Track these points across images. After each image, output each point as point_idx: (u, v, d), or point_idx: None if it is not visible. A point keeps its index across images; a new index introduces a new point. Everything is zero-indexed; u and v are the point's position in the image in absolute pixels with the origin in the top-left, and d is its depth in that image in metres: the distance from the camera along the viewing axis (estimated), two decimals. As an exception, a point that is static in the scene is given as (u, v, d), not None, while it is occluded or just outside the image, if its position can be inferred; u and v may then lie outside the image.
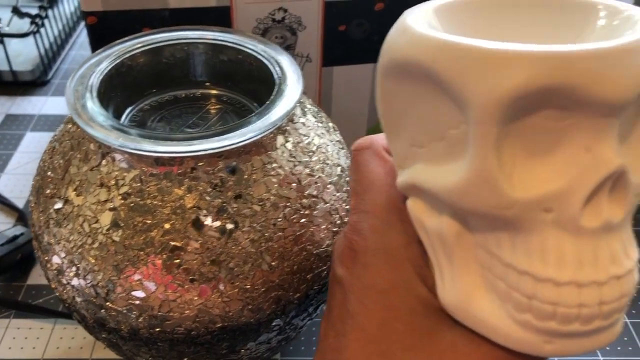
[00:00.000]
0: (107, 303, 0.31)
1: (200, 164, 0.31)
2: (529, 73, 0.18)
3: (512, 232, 0.21)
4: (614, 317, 0.21)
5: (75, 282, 0.32)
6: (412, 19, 0.23)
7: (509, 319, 0.22)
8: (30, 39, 0.68)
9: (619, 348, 0.45)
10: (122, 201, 0.31)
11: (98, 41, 0.47)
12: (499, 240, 0.22)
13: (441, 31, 0.23)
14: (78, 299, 0.32)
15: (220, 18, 0.48)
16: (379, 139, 0.28)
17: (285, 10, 0.49)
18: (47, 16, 0.71)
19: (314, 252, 0.33)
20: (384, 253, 0.25)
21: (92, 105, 0.32)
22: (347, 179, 0.37)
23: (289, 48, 0.51)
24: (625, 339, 0.45)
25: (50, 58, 0.72)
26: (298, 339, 0.45)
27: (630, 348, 0.45)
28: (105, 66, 0.35)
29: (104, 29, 0.47)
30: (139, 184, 0.31)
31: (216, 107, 0.39)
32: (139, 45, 0.37)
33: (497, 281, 0.22)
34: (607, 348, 0.45)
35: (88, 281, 0.31)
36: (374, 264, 0.25)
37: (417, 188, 0.24)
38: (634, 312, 0.47)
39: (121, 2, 0.46)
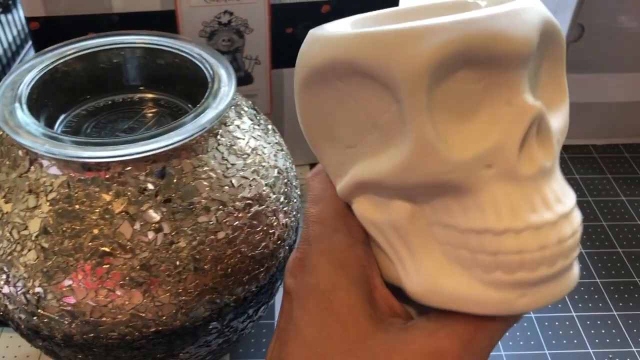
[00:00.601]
0: (39, 310, 0.31)
1: (128, 168, 0.31)
2: (441, 40, 0.20)
3: (461, 198, 0.22)
4: (573, 256, 0.23)
5: (6, 289, 0.32)
6: (322, 30, 0.24)
7: (480, 284, 0.22)
8: (-17, 45, 0.67)
9: (564, 341, 0.46)
10: (51, 207, 0.31)
11: (43, 47, 0.47)
12: (451, 210, 0.22)
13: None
14: (10, 307, 0.32)
15: (167, 22, 0.48)
16: None
17: (231, 14, 0.49)
18: (0, 22, 0.70)
19: (249, 254, 0.34)
20: (327, 256, 0.26)
21: (21, 112, 0.32)
22: (285, 180, 0.37)
23: (237, 51, 0.51)
24: (571, 332, 0.46)
25: (4, 64, 0.71)
26: (247, 341, 0.45)
27: (575, 341, 0.46)
28: (36, 73, 0.35)
29: (48, 35, 0.47)
30: (67, 190, 0.31)
31: (153, 110, 0.39)
32: (74, 50, 0.37)
33: (459, 251, 0.23)
34: (553, 342, 0.45)
35: (19, 289, 0.31)
36: (318, 268, 0.26)
37: (361, 185, 0.24)
38: (580, 305, 0.48)
39: (65, 7, 0.46)
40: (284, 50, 0.52)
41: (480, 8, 0.24)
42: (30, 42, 0.79)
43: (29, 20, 0.46)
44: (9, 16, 0.73)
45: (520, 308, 0.22)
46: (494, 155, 0.21)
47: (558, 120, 0.24)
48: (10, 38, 0.73)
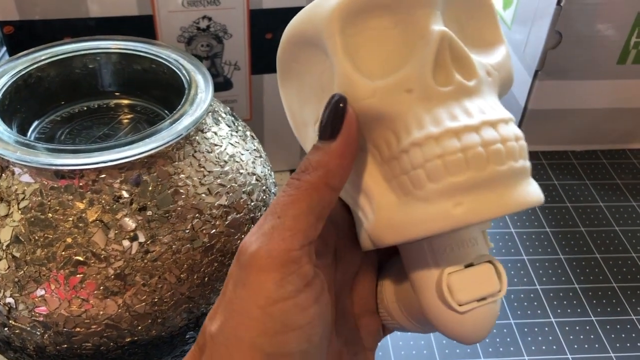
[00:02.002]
0: (10, 321, 0.31)
1: (102, 176, 0.30)
2: None
3: (393, 125, 0.23)
4: (508, 164, 0.22)
5: (-24, 300, 0.31)
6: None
7: (419, 203, 0.23)
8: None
9: (543, 347, 0.46)
10: (22, 216, 0.30)
11: (17, 52, 0.46)
12: (388, 141, 0.24)
13: None
14: (-19, 318, 0.32)
15: (144, 27, 0.48)
16: None
17: (210, 19, 0.49)
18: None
19: (227, 262, 0.33)
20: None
21: (-9, 118, 0.32)
22: (264, 187, 0.37)
23: (216, 56, 0.51)
24: (550, 337, 0.46)
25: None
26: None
27: (554, 347, 0.46)
28: (8, 78, 0.35)
29: (23, 39, 0.46)
30: (39, 198, 0.30)
31: (129, 117, 0.38)
32: (49, 55, 0.37)
33: (400, 179, 0.23)
34: (532, 348, 0.46)
35: (-11, 299, 0.31)
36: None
37: None
38: (559, 311, 0.48)
39: (40, 11, 0.45)
40: (264, 56, 0.52)
41: None
42: (4, 48, 0.77)
43: (2, 24, 0.45)
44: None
45: (460, 218, 0.22)
46: (411, 80, 0.23)
47: (493, 57, 0.26)
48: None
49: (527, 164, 0.24)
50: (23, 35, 0.46)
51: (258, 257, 0.22)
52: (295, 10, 0.49)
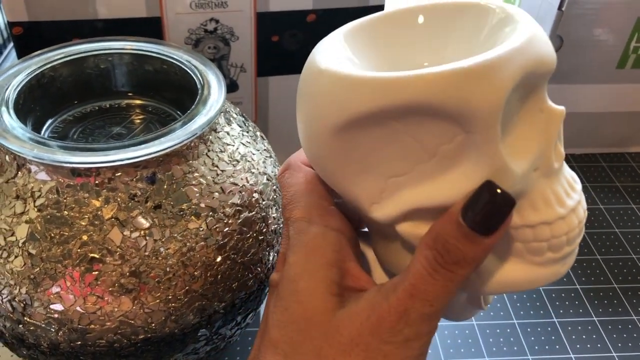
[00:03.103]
0: (25, 318, 0.31)
1: (118, 174, 0.31)
2: (508, 74, 0.22)
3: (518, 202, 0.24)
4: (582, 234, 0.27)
5: (-9, 297, 0.31)
6: (339, 64, 0.25)
7: (533, 266, 0.26)
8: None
9: (546, 347, 0.46)
10: (39, 213, 0.30)
11: (26, 52, 0.47)
12: None
13: (358, 62, 0.26)
14: (-5, 315, 0.32)
15: (152, 29, 0.48)
16: (295, 157, 0.30)
17: (217, 21, 0.49)
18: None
19: (239, 260, 0.34)
20: (301, 247, 0.27)
21: (8, 117, 0.32)
22: (274, 187, 0.37)
23: (222, 58, 0.51)
24: (553, 337, 0.47)
25: (-17, 70, 0.70)
26: (232, 349, 0.45)
27: (557, 346, 0.46)
28: (22, 78, 0.35)
29: (31, 40, 0.46)
30: (55, 196, 0.30)
31: (141, 117, 0.39)
32: (61, 55, 0.37)
33: (513, 245, 0.26)
34: (536, 347, 0.46)
35: (4, 296, 0.31)
36: (294, 257, 0.27)
37: (417, 211, 0.25)
38: (561, 311, 0.49)
39: (48, 13, 0.46)
40: (270, 58, 0.52)
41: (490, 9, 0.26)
42: (7, 49, 0.78)
43: (11, 25, 0.46)
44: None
45: (563, 274, 0.27)
46: (539, 159, 0.24)
47: None
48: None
49: None
50: (32, 36, 0.46)
51: (406, 337, 0.24)
52: (302, 14, 0.50)
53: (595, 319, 0.49)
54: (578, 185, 0.26)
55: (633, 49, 0.59)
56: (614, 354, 0.46)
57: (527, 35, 0.23)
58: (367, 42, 0.28)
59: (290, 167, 0.30)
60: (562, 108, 0.25)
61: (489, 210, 0.23)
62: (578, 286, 0.51)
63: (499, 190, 0.23)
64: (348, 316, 0.25)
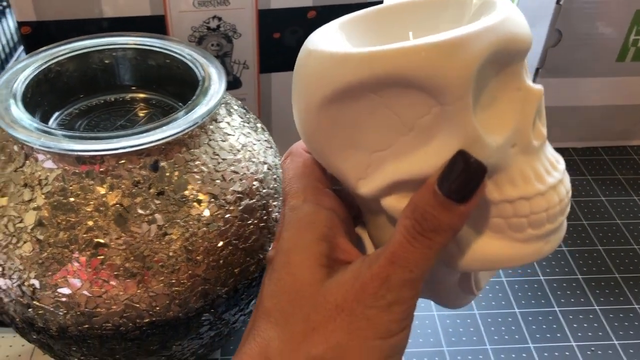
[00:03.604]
0: (34, 302, 0.32)
1: (122, 161, 0.32)
2: (480, 47, 0.23)
3: (494, 176, 0.25)
4: (566, 212, 0.28)
5: (1, 282, 0.32)
6: (328, 45, 0.26)
7: (513, 243, 0.27)
8: (-28, 53, 0.68)
9: (548, 335, 0.47)
10: (46, 200, 0.31)
11: (34, 51, 0.48)
12: (487, 191, 0.26)
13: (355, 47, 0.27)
14: (5, 300, 0.33)
15: (156, 27, 0.49)
16: (297, 144, 0.32)
17: (220, 19, 0.50)
18: (-11, 31, 0.70)
19: (241, 246, 0.34)
20: (294, 223, 0.28)
21: (16, 109, 0.33)
22: (275, 176, 0.38)
23: (225, 55, 0.52)
24: (554, 326, 0.47)
25: (-7, 72, 0.72)
26: (238, 337, 0.45)
27: (558, 335, 0.47)
28: (30, 72, 0.36)
29: (39, 39, 0.48)
30: (61, 183, 0.31)
31: (145, 110, 0.40)
32: (67, 50, 0.38)
33: (492, 220, 0.26)
34: (537, 335, 0.47)
35: (14, 280, 0.32)
36: (288, 233, 0.28)
37: (399, 183, 0.26)
38: (562, 300, 0.49)
39: (55, 12, 0.47)
40: (272, 55, 0.53)
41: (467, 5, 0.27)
42: (19, 50, 0.79)
43: (20, 24, 0.47)
44: (-2, 25, 0.74)
45: (546, 253, 0.27)
46: (516, 135, 0.25)
47: None
48: (-1, 47, 0.74)
49: None
50: (40, 36, 0.48)
51: (388, 304, 0.25)
52: (302, 11, 0.51)
53: (596, 307, 0.49)
54: (561, 165, 0.27)
55: (632, 42, 0.59)
56: (615, 342, 0.46)
57: (501, 16, 0.24)
58: (360, 33, 0.29)
59: (291, 154, 0.31)
60: (539, 87, 0.26)
61: (463, 178, 0.24)
62: (579, 276, 0.52)
63: (472, 159, 0.23)
64: (335, 285, 0.26)
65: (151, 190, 0.32)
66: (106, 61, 0.40)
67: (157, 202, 0.32)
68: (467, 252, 0.27)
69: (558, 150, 0.28)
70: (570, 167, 0.63)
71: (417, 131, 0.24)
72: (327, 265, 0.27)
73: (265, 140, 0.39)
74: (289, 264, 0.27)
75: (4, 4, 0.76)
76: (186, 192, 0.32)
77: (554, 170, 0.26)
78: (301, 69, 0.27)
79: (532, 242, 0.27)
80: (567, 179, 0.27)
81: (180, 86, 0.40)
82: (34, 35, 0.48)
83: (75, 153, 0.31)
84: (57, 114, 0.39)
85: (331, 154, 0.27)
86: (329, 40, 0.27)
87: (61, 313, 0.32)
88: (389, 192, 0.26)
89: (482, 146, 0.24)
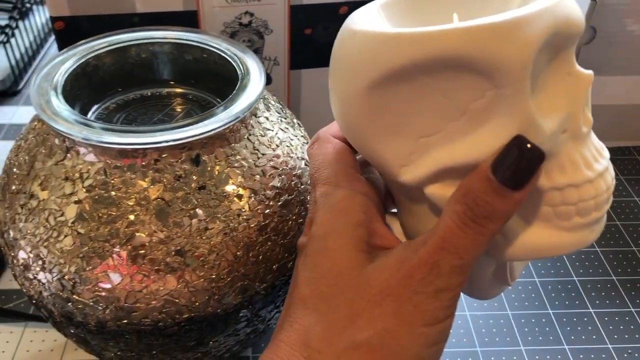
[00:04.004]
0: (74, 296, 0.32)
1: (164, 155, 0.31)
2: (539, 28, 0.22)
3: (544, 163, 0.24)
4: (609, 201, 0.27)
5: (41, 276, 0.32)
6: (374, 25, 0.25)
7: (560, 231, 0.26)
8: (1, 49, 0.68)
9: (583, 337, 0.46)
10: (87, 194, 0.31)
11: (66, 46, 0.48)
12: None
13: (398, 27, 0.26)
14: (45, 294, 0.33)
15: (188, 22, 0.49)
16: (324, 129, 0.31)
17: (252, 14, 0.50)
18: (17, 27, 0.71)
19: (280, 242, 0.34)
20: (329, 208, 0.28)
21: (57, 101, 0.33)
22: (312, 172, 0.38)
23: (256, 51, 0.52)
24: (590, 327, 0.47)
25: (21, 68, 0.72)
26: (269, 334, 0.45)
27: (594, 336, 0.46)
28: (70, 65, 0.36)
29: (72, 34, 0.48)
30: (103, 177, 0.31)
31: (182, 105, 0.39)
32: (104, 44, 0.38)
33: (541, 208, 0.26)
34: (572, 337, 0.46)
35: (54, 274, 0.32)
36: (321, 219, 0.28)
37: (446, 170, 0.25)
38: (597, 302, 0.49)
39: (88, 7, 0.47)
40: (302, 51, 0.53)
41: None
42: (45, 47, 0.80)
43: (54, 19, 0.47)
44: (26, 22, 0.74)
45: (590, 241, 0.27)
46: (567, 121, 0.24)
47: None
48: (27, 43, 0.74)
49: None
50: (73, 31, 0.48)
51: (437, 289, 0.25)
52: (334, 6, 0.51)
53: (632, 309, 0.48)
54: (606, 152, 0.27)
55: (667, 40, 0.58)
56: (653, 344, 0.45)
57: (545, 1, 0.23)
58: (402, 15, 0.29)
59: (319, 139, 0.31)
60: (590, 72, 0.25)
61: (519, 164, 0.23)
62: (614, 277, 0.51)
63: (528, 145, 0.23)
64: (378, 270, 0.25)
65: (192, 185, 0.31)
66: (143, 55, 0.39)
67: (199, 196, 0.31)
68: (513, 241, 0.26)
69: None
70: (602, 167, 0.62)
71: (469, 116, 0.24)
72: (365, 251, 0.26)
73: (302, 136, 0.39)
74: (326, 249, 0.27)
75: (32, 0, 0.76)
76: (227, 187, 0.32)
77: (600, 157, 0.26)
78: (344, 51, 0.26)
79: (578, 231, 0.26)
80: (611, 167, 0.27)
81: (216, 81, 0.39)
82: (67, 31, 0.48)
83: (119, 146, 0.30)
84: (95, 107, 0.38)
85: (372, 140, 0.26)
86: (372, 20, 0.26)
87: (100, 307, 0.32)
88: (434, 179, 0.26)
89: (537, 131, 0.23)
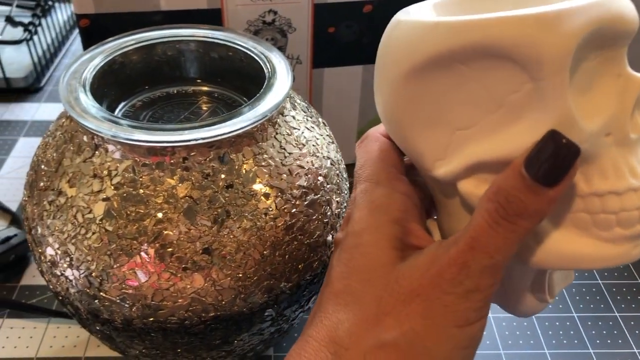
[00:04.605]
0: (101, 293, 0.32)
1: (192, 153, 0.31)
2: (582, 21, 0.22)
3: (584, 166, 0.24)
4: None
5: (69, 273, 0.32)
6: (419, 15, 0.26)
7: (599, 242, 0.25)
8: (24, 46, 0.69)
9: (608, 341, 0.45)
10: (115, 191, 0.31)
11: (91, 44, 0.48)
12: (576, 181, 0.24)
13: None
14: (72, 290, 0.33)
15: (212, 20, 0.49)
16: (374, 128, 0.31)
17: (275, 13, 0.50)
18: (40, 24, 0.71)
19: (305, 242, 0.34)
20: (367, 205, 0.28)
21: (85, 98, 0.33)
22: (337, 172, 0.38)
23: (279, 50, 0.52)
24: (615, 332, 0.46)
25: (43, 65, 0.72)
26: (292, 334, 0.45)
27: (620, 341, 0.45)
28: (98, 62, 0.36)
29: (96, 32, 0.48)
30: (131, 174, 0.31)
31: (208, 103, 0.39)
32: (132, 42, 0.38)
33: (577, 215, 0.25)
34: (597, 341, 0.45)
35: (82, 271, 0.32)
36: (358, 215, 0.28)
37: (479, 165, 0.25)
38: (622, 306, 0.48)
39: (113, 5, 0.47)
40: (325, 50, 0.53)
41: None
42: (67, 44, 0.80)
43: (79, 17, 0.47)
44: (48, 20, 0.75)
45: (634, 257, 0.25)
46: (612, 124, 0.23)
47: None
48: (49, 40, 0.75)
49: None
50: (97, 28, 0.48)
51: (467, 290, 0.24)
52: (358, 5, 0.50)
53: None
54: None
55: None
56: (680, 349, 0.45)
57: None
58: (458, 11, 0.28)
59: (367, 138, 0.31)
60: (638, 74, 0.24)
61: (553, 160, 0.22)
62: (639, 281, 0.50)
63: (564, 140, 0.22)
64: (408, 268, 0.25)
65: (220, 183, 0.31)
66: (169, 53, 0.39)
67: (226, 195, 0.31)
68: (545, 246, 0.25)
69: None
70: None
71: (506, 109, 0.23)
72: (399, 248, 0.26)
73: (328, 135, 0.39)
74: (361, 245, 0.26)
75: (54, -2, 0.77)
76: (254, 186, 0.32)
77: None
78: (389, 40, 0.26)
79: (619, 243, 0.25)
80: None
81: (242, 80, 0.39)
82: (92, 28, 0.48)
83: (147, 144, 0.30)
84: (121, 104, 0.39)
85: (411, 132, 0.26)
86: (420, 12, 0.26)
87: (127, 305, 0.32)
88: (468, 174, 0.25)
89: (575, 129, 0.22)
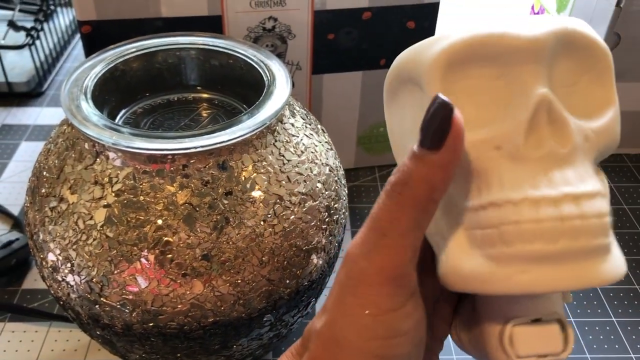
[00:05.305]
0: (102, 298, 0.32)
1: (192, 161, 0.32)
2: (448, 42, 0.24)
3: (476, 179, 0.24)
4: (582, 241, 0.22)
5: (70, 278, 0.33)
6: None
7: (487, 261, 0.23)
8: (26, 51, 0.69)
9: (605, 346, 0.45)
10: (116, 198, 0.32)
11: (93, 50, 0.48)
12: (469, 193, 0.24)
13: None
14: (73, 296, 0.33)
15: (213, 27, 0.49)
16: None
17: (275, 19, 0.50)
18: (42, 29, 0.72)
19: (304, 248, 0.34)
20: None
21: (87, 106, 0.33)
22: (336, 178, 0.38)
23: (279, 56, 0.52)
24: (612, 337, 0.46)
25: (45, 70, 0.73)
26: (290, 339, 0.45)
27: (616, 346, 0.46)
28: (99, 70, 0.36)
29: (98, 38, 0.48)
30: (132, 181, 0.32)
31: (208, 110, 0.40)
32: (132, 50, 0.39)
33: (474, 232, 0.24)
34: (594, 346, 0.45)
35: (83, 277, 0.32)
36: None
37: None
38: (619, 311, 0.48)
39: (115, 12, 0.47)
40: (325, 56, 0.53)
41: None
42: (68, 49, 0.80)
43: (81, 23, 0.48)
44: (50, 24, 0.75)
45: (521, 285, 0.22)
46: (502, 137, 0.23)
47: (598, 120, 0.25)
48: (51, 45, 0.75)
49: (607, 241, 0.23)
50: (99, 35, 0.48)
51: (368, 273, 0.23)
52: (357, 12, 0.51)
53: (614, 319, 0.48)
54: (582, 186, 0.23)
55: (692, 47, 0.58)
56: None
57: (507, 20, 0.24)
58: None
59: None
60: (541, 92, 0.23)
61: (431, 120, 0.22)
62: (637, 286, 0.50)
63: (438, 100, 0.22)
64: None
65: (220, 190, 0.32)
66: (170, 60, 0.40)
67: (225, 202, 0.32)
68: (446, 263, 0.25)
69: (610, 156, 0.25)
70: (624, 174, 0.62)
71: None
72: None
73: (326, 142, 0.39)
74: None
75: (56, 2, 0.77)
76: (253, 193, 0.32)
77: (547, 185, 0.22)
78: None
79: (503, 264, 0.23)
80: (574, 205, 0.22)
81: (242, 87, 0.40)
82: (94, 34, 0.48)
83: (148, 152, 0.31)
84: (122, 111, 0.39)
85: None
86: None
87: (127, 310, 0.32)
88: None
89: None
